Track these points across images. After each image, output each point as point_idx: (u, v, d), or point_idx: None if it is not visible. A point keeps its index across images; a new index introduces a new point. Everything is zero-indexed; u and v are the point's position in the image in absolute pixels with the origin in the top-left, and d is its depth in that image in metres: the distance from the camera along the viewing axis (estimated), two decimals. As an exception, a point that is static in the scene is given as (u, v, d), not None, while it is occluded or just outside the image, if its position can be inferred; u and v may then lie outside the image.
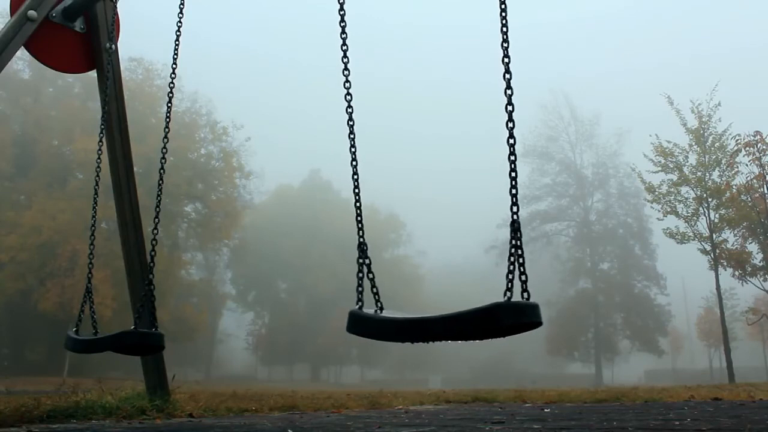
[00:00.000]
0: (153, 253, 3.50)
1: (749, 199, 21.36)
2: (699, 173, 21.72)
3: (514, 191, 1.96)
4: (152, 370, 4.43)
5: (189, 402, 4.63)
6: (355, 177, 2.48)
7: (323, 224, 55.20)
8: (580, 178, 51.00)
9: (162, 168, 3.59)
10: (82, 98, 35.19)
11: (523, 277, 1.87)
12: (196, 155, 39.62)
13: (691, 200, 21.81)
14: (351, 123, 2.51)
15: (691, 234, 21.78)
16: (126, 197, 4.39)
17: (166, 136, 3.65)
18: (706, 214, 21.54)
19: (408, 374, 56.47)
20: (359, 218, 2.44)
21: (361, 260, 2.30)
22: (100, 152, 4.01)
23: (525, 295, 1.87)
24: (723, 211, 21.60)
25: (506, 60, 2.04)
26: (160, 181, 3.63)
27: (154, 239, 3.49)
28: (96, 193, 4.00)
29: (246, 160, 41.44)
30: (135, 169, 4.56)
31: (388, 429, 3.08)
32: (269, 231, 54.94)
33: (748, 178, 21.35)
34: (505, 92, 2.01)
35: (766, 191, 21.26)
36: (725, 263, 21.51)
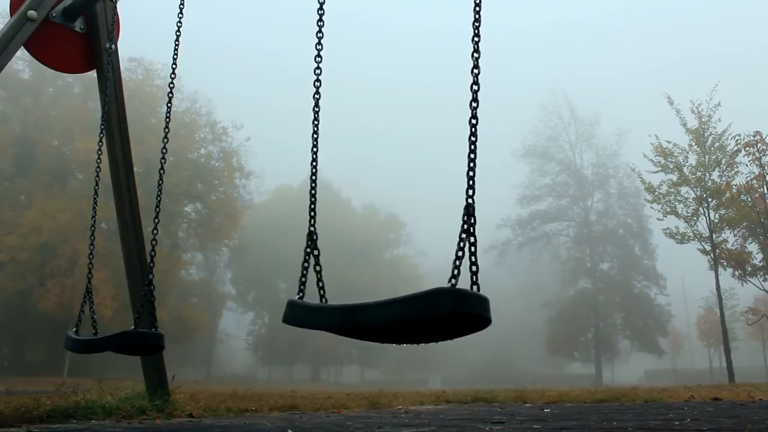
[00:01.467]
0: (153, 253, 3.50)
1: (749, 199, 21.35)
2: (699, 173, 21.71)
3: (471, 173, 1.88)
4: (152, 370, 4.43)
5: (189, 402, 4.63)
6: (314, 164, 2.46)
7: (323, 224, 54.79)
8: (580, 178, 51.00)
9: (162, 168, 3.59)
10: (82, 98, 35.18)
11: (474, 268, 1.75)
12: (195, 155, 39.62)
13: (691, 200, 21.80)
14: (317, 110, 2.50)
15: (691, 234, 21.78)
16: (126, 197, 4.39)
17: (166, 136, 3.65)
18: (706, 214, 21.54)
19: (408, 374, 56.48)
20: (312, 206, 2.40)
21: (309, 250, 2.24)
22: (100, 152, 4.01)
23: (474, 287, 1.73)
24: (723, 211, 21.59)
25: (476, 40, 1.98)
26: (160, 181, 3.64)
27: (154, 239, 3.50)
28: (96, 193, 4.00)
29: (246, 160, 41.50)
30: (135, 169, 4.56)
31: (388, 429, 3.07)
32: (269, 231, 54.94)
33: (748, 178, 21.36)
34: (472, 71, 1.95)
35: (766, 191, 21.26)
36: (725, 263, 21.51)
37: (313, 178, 2.43)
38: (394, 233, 61.61)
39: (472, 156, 1.91)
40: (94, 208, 3.96)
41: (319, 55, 2.52)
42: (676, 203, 21.98)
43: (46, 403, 3.78)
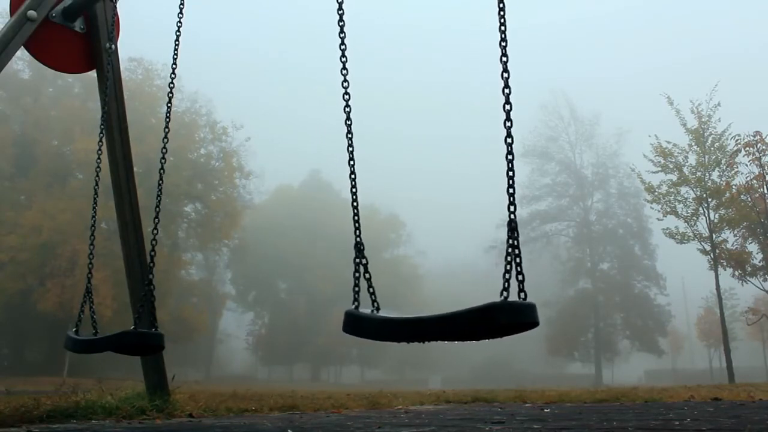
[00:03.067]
0: (153, 253, 3.50)
1: (749, 199, 21.34)
2: (699, 173, 21.71)
3: (511, 191, 1.96)
4: (152, 370, 4.43)
5: (189, 402, 4.63)
6: (353, 176, 2.46)
7: (323, 224, 55.16)
8: (580, 178, 51.00)
9: (162, 168, 3.59)
10: (82, 98, 35.18)
11: (520, 277, 1.86)
12: (195, 155, 39.62)
13: (690, 200, 21.79)
14: (349, 123, 2.51)
15: (690, 234, 21.77)
16: (126, 197, 4.39)
17: (166, 136, 3.65)
18: (706, 214, 21.53)
19: (408, 374, 56.46)
20: (356, 218, 2.44)
21: (357, 260, 2.30)
22: (100, 152, 4.01)
23: (522, 295, 1.86)
24: (723, 211, 21.58)
25: (504, 59, 2.04)
26: (160, 181, 3.63)
27: (154, 239, 3.49)
28: (96, 193, 4.00)
29: (246, 160, 41.51)
30: (135, 169, 4.56)
31: (388, 429, 3.08)
32: (269, 231, 54.93)
33: (748, 178, 21.35)
34: (503, 91, 2.01)
35: (766, 191, 21.25)
36: (725, 263, 21.50)
37: (353, 190, 2.46)
38: (394, 233, 61.61)
39: (510, 174, 1.99)
40: (94, 208, 3.96)
41: (344, 55, 2.53)
42: (676, 203, 21.98)
43: (46, 403, 3.78)
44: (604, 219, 50.90)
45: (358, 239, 2.35)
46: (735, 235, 21.89)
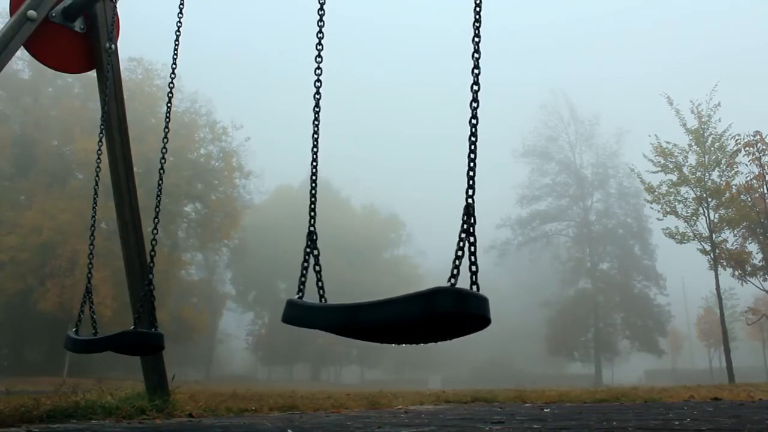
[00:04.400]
0: (153, 253, 3.50)
1: (749, 199, 21.34)
2: (699, 173, 21.71)
3: (471, 173, 1.88)
4: (152, 370, 4.43)
5: (189, 402, 4.63)
6: (314, 164, 2.45)
7: (323, 224, 54.82)
8: (580, 178, 51.00)
9: (162, 168, 3.59)
10: (82, 98, 35.17)
11: (474, 267, 1.74)
12: (195, 155, 39.62)
13: (690, 200, 21.80)
14: (317, 110, 2.50)
15: (690, 234, 21.77)
16: (126, 197, 4.39)
17: (165, 136, 3.66)
18: (706, 214, 21.53)
19: (408, 374, 56.47)
20: (312, 206, 2.40)
21: (308, 249, 2.24)
22: (100, 152, 4.01)
23: (474, 287, 1.72)
24: (723, 211, 21.58)
25: (476, 40, 1.98)
26: (160, 181, 3.64)
27: (154, 239, 3.50)
28: (96, 194, 4.01)
29: (246, 160, 41.50)
30: (135, 169, 4.56)
31: (388, 429, 3.08)
32: (269, 231, 54.93)
33: (748, 178, 21.34)
34: (473, 71, 1.95)
35: (765, 191, 21.24)
36: (725, 263, 21.50)
37: (313, 178, 2.43)
38: (394, 233, 61.60)
39: (472, 156, 1.90)
40: (94, 208, 3.96)
41: (319, 56, 2.52)
42: (676, 203, 21.98)
43: (46, 403, 3.78)
44: (604, 219, 50.91)
45: (311, 228, 2.30)
46: (735, 235, 21.90)
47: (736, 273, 21.64)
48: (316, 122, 2.51)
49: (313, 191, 2.41)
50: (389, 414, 4.59)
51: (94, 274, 3.75)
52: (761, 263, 21.55)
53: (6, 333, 34.04)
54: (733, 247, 21.58)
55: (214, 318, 49.65)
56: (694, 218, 21.65)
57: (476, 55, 1.97)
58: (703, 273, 23.40)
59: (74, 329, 3.64)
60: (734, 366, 20.48)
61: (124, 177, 4.40)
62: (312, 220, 2.34)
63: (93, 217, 3.91)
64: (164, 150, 3.63)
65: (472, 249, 1.75)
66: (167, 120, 3.70)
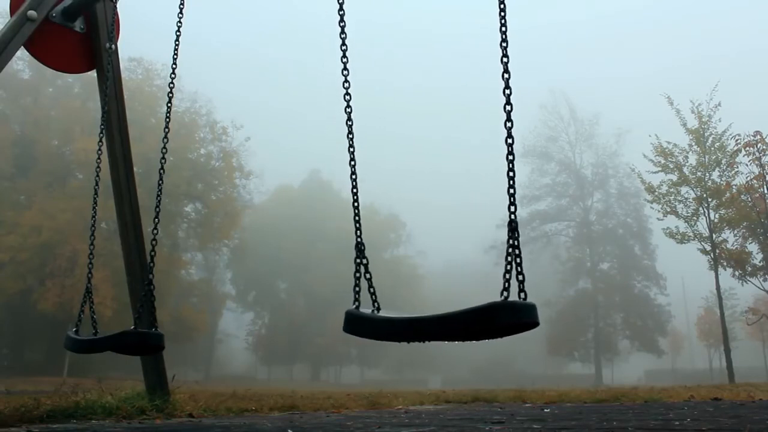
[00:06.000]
0: (153, 253, 3.50)
1: (749, 199, 21.34)
2: (699, 173, 21.70)
3: (512, 191, 1.97)
4: (152, 370, 4.43)
5: (189, 402, 4.63)
6: (353, 177, 2.47)
7: (323, 224, 55.14)
8: (580, 178, 50.99)
9: (162, 168, 3.59)
10: (82, 98, 35.16)
11: (521, 278, 1.86)
12: (195, 155, 39.60)
13: (691, 200, 21.79)
14: (350, 123, 2.51)
15: (691, 234, 21.77)
16: (126, 197, 4.39)
17: (166, 136, 3.66)
18: (706, 214, 21.53)
19: (408, 374, 56.44)
20: (357, 218, 2.46)
21: (358, 260, 2.30)
22: (100, 152, 4.01)
23: (522, 295, 1.86)
24: (723, 211, 21.57)
25: (505, 59, 2.04)
26: (160, 181, 3.64)
27: (154, 239, 3.50)
28: (96, 193, 4.01)
29: (246, 160, 41.50)
30: (135, 169, 4.56)
31: (388, 429, 3.08)
32: (269, 231, 54.91)
33: (748, 178, 21.33)
34: (504, 92, 2.01)
35: (766, 191, 21.23)
36: (725, 263, 21.49)
37: (355, 191, 2.47)
38: (394, 233, 61.58)
39: (511, 174, 2.00)
40: (94, 208, 3.96)
41: (345, 56, 2.54)
42: (676, 203, 21.98)
43: (46, 403, 3.77)
44: (604, 219, 50.90)
45: (359, 239, 2.36)
46: (735, 235, 21.89)
47: (736, 273, 21.64)
48: (351, 135, 2.50)
49: (356, 203, 2.49)
50: (389, 414, 4.59)
51: (94, 274, 3.75)
52: (761, 263, 21.55)
53: (6, 333, 34.03)
54: (734, 247, 21.57)
55: (214, 318, 49.65)
56: (695, 218, 21.65)
57: (506, 75, 2.04)
58: (703, 273, 23.42)
59: (74, 329, 3.64)
60: (734, 366, 20.48)
61: (124, 177, 4.40)
62: (358, 231, 2.40)
63: (93, 217, 3.91)
64: (164, 150, 3.63)
65: (518, 260, 1.87)
66: (167, 120, 3.70)
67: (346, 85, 2.53)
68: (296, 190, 62.51)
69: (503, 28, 2.06)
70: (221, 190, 40.64)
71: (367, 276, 2.29)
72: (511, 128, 2.00)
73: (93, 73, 4.57)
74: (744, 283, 22.01)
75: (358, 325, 2.18)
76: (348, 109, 2.52)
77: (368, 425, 3.32)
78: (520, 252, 1.89)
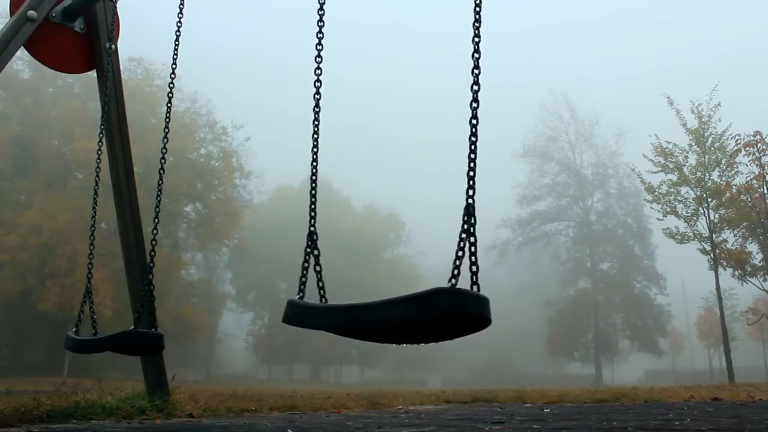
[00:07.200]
0: (153, 253, 3.50)
1: (749, 199, 21.35)
2: (699, 173, 21.72)
3: (471, 173, 1.86)
4: (152, 370, 4.43)
5: (189, 402, 4.63)
6: (314, 164, 2.43)
7: (323, 224, 54.79)
8: (580, 178, 51.01)
9: (162, 168, 3.59)
10: (82, 98, 35.16)
11: (474, 268, 1.74)
12: (195, 155, 39.62)
13: (691, 200, 21.81)
14: (317, 110, 2.48)
15: (691, 234, 21.78)
16: (126, 197, 4.39)
17: (165, 136, 3.66)
18: (706, 214, 21.54)
19: (407, 374, 56.45)
20: (313, 206, 2.39)
21: (309, 250, 2.23)
22: (99, 152, 4.01)
23: (475, 287, 1.72)
24: (723, 211, 21.59)
25: (476, 40, 1.97)
26: (160, 181, 3.64)
27: (154, 239, 3.50)
28: (96, 193, 4.00)
29: (246, 160, 41.53)
30: (135, 169, 4.56)
31: (388, 429, 3.07)
32: (269, 231, 54.93)
33: (748, 178, 21.36)
34: (472, 72, 1.94)
35: (766, 191, 21.25)
36: (725, 263, 21.50)
37: (314, 178, 2.41)
38: (394, 233, 61.59)
39: (472, 156, 1.89)
40: (94, 208, 3.96)
41: (319, 56, 2.51)
42: (676, 203, 22.00)
43: (46, 403, 3.77)
44: (604, 219, 50.92)
45: (312, 228, 2.28)
46: (735, 235, 21.91)
47: (736, 273, 21.65)
48: (316, 122, 2.49)
49: (313, 191, 2.40)
50: (389, 414, 4.59)
51: (94, 274, 3.75)
52: (761, 263, 21.56)
53: (6, 333, 34.02)
54: (733, 247, 21.58)
55: (214, 318, 49.65)
56: (694, 218, 21.66)
57: (476, 55, 1.96)
58: (703, 273, 23.43)
59: (74, 329, 3.64)
60: (734, 366, 20.49)
61: (124, 177, 4.39)
62: (312, 220, 2.32)
63: (93, 217, 3.91)
64: (164, 150, 3.63)
65: (473, 249, 1.74)
66: (167, 120, 3.70)
67: (318, 72, 2.50)
68: (296, 190, 62.46)
69: (477, 23, 1.99)
70: (221, 190, 40.65)
71: (317, 268, 2.22)
72: (476, 108, 1.91)
73: (93, 73, 4.57)
74: (744, 283, 22.02)
75: (296, 314, 2.07)
76: (317, 96, 2.48)
77: (368, 425, 3.32)
78: (475, 240, 1.76)
